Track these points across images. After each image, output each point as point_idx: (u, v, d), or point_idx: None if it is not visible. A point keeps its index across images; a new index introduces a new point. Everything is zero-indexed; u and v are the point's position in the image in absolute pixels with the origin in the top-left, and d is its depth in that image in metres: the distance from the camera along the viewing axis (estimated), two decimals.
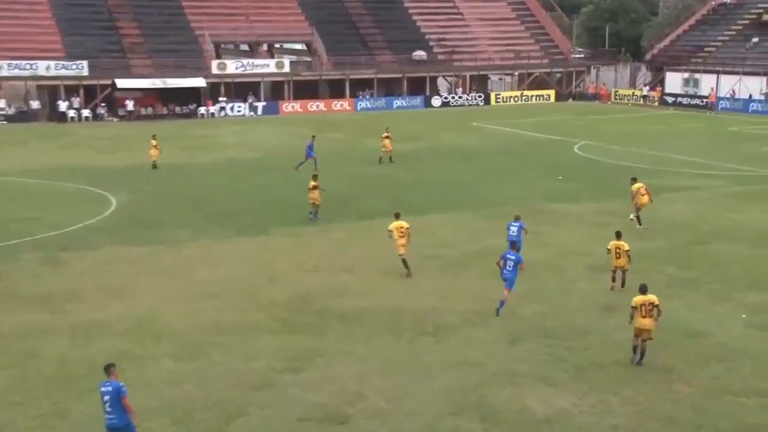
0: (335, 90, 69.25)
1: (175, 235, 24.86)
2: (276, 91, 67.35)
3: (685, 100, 66.43)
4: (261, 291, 19.51)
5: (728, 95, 63.98)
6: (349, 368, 15.04)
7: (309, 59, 72.74)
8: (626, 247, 19.25)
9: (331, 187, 28.84)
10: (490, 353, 15.65)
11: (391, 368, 15.03)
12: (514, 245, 18.79)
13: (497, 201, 29.84)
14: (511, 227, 21.04)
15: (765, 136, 47.66)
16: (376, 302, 18.66)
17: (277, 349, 15.92)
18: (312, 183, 26.92)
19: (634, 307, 14.94)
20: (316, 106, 66.14)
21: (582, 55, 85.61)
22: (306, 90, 67.87)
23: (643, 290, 15.14)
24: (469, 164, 38.61)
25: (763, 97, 61.30)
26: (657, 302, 14.94)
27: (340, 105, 66.81)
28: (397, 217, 20.83)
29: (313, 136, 37.77)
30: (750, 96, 62.30)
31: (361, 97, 68.58)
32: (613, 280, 19.34)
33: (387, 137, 38.80)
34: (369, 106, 67.45)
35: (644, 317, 14.86)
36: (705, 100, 64.77)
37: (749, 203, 28.88)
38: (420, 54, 71.96)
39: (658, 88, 70.02)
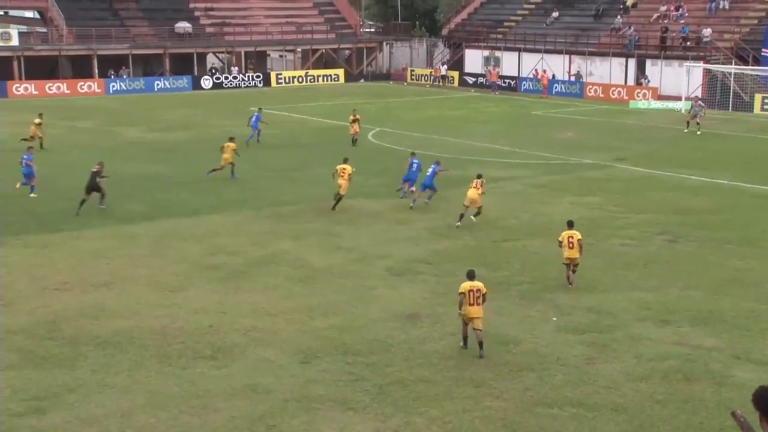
0: (80, 68, 66.74)
1: None
2: (2, 69, 63.79)
3: (487, 81, 70.03)
4: None
5: (531, 75, 68.26)
6: (109, 405, 14.53)
7: (44, 30, 69.53)
8: (579, 236, 20.52)
9: (80, 187, 27.76)
10: (279, 376, 15.71)
11: (161, 402, 14.69)
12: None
13: (284, 199, 30.01)
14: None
15: (570, 121, 51.33)
16: (140, 323, 18.19)
17: (16, 388, 15.09)
18: (228, 144, 33.11)
19: (462, 294, 16.47)
20: (56, 87, 63.35)
21: (373, 30, 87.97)
22: (42, 68, 64.88)
23: (471, 276, 16.76)
24: (249, 156, 38.48)
25: (569, 77, 65.91)
26: (484, 290, 16.63)
27: (88, 87, 64.44)
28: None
29: (260, 109, 44.35)
30: (553, 76, 66.79)
31: (113, 77, 66.46)
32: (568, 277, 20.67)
33: (355, 120, 42.27)
34: (124, 88, 65.58)
35: (472, 305, 16.40)
36: (484, 79, 69.17)
37: (558, 194, 31.00)
38: (184, 26, 70.86)
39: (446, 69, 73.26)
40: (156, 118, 50.47)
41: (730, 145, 42.50)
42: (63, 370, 15.93)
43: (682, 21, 62.77)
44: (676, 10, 64.05)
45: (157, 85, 66.97)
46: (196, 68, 70.72)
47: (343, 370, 15.99)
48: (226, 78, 70.34)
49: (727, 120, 50.03)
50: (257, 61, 75.84)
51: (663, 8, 64.83)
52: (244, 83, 70.53)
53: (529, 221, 27.21)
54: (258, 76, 71.75)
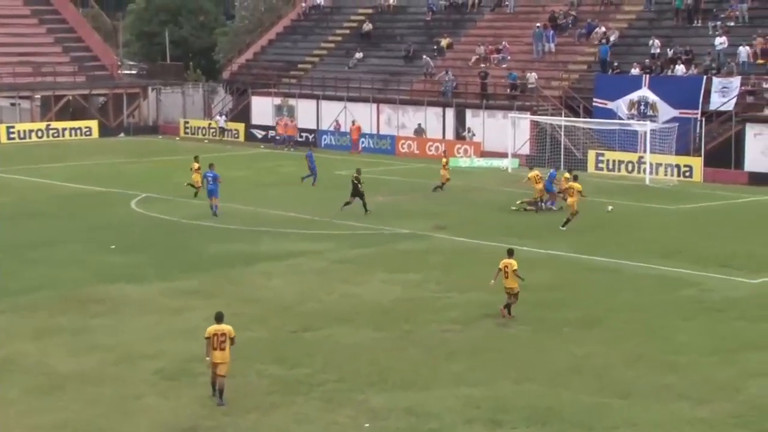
0: None
1: None
2: None
3: (277, 135, 70.50)
4: None
5: (332, 127, 69.32)
6: None
7: None
8: (514, 266, 25.23)
9: None
10: None
11: None
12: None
13: (22, 287, 28.93)
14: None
15: (381, 182, 52.27)
16: None
17: None
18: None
19: (208, 338, 19.23)
20: None
21: (135, 72, 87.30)
22: None
23: (219, 318, 19.49)
24: None
25: (377, 130, 67.34)
26: (233, 334, 19.32)
27: None
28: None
29: (311, 147, 54.81)
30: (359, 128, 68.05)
31: None
32: (506, 306, 25.46)
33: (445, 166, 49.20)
34: None
35: (216, 349, 19.09)
36: (274, 133, 69.64)
37: (368, 271, 31.38)
38: None
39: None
40: None
41: (564, 211, 44.44)
42: None
43: (504, 65, 65.69)
44: (497, 52, 66.83)
45: None
46: None
47: None
48: None
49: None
50: None
51: (481, 49, 67.46)
52: None
53: (334, 304, 27.36)
54: None
